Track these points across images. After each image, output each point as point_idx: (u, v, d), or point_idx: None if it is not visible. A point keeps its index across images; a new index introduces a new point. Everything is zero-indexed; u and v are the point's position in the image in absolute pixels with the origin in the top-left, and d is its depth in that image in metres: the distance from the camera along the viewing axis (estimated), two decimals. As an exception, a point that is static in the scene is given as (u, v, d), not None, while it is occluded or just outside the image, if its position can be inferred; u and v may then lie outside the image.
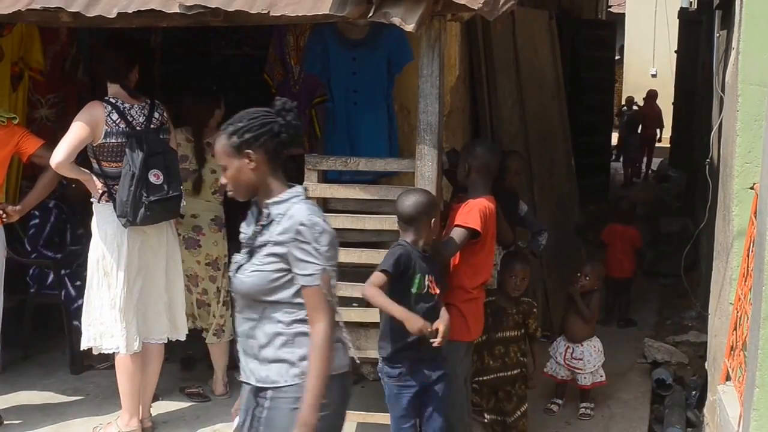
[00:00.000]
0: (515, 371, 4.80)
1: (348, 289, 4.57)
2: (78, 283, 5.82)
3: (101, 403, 5.39)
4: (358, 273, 4.74)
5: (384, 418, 4.68)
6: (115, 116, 4.67)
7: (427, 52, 4.24)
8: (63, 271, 5.89)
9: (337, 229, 4.75)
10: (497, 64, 6.71)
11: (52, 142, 5.94)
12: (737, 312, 4.33)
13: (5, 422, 5.09)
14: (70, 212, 5.99)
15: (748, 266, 4.18)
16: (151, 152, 4.65)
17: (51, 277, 5.93)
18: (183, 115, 5.32)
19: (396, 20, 3.94)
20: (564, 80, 8.21)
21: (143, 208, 4.59)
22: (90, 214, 6.12)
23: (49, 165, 4.83)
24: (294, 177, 5.23)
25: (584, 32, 11.15)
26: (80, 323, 5.72)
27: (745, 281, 4.22)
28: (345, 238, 4.83)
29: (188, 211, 5.26)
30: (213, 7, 4.06)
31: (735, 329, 4.34)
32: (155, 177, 4.64)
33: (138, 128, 4.70)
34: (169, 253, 4.94)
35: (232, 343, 5.53)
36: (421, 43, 4.26)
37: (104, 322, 4.80)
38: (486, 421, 4.93)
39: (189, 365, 5.95)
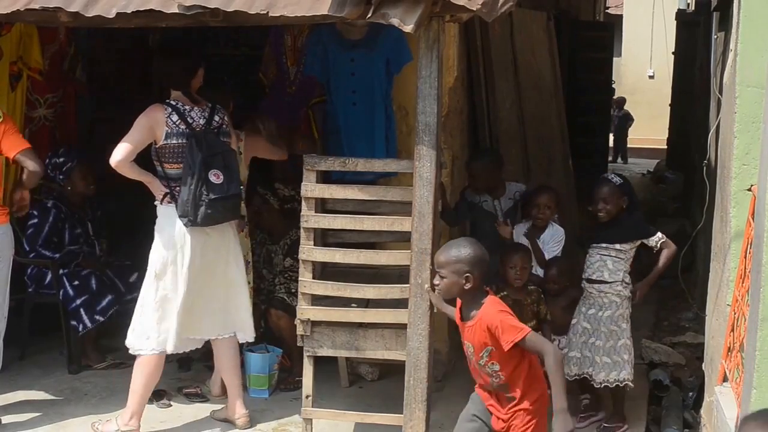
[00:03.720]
0: None
1: (347, 290, 4.58)
2: (76, 282, 5.82)
3: (99, 403, 5.39)
4: (356, 273, 4.77)
5: (382, 419, 4.69)
6: (175, 118, 4.72)
7: (425, 53, 4.24)
8: (61, 271, 5.88)
9: (335, 230, 4.83)
10: (495, 65, 6.72)
11: (50, 142, 5.95)
12: (734, 313, 4.34)
13: (3, 422, 5.09)
14: (68, 212, 5.99)
15: (745, 268, 4.19)
16: (211, 152, 4.70)
17: (49, 277, 5.93)
18: None
19: (395, 21, 3.95)
20: (562, 81, 8.22)
21: (204, 207, 4.63)
22: (88, 215, 6.15)
23: (26, 169, 4.87)
24: (293, 178, 5.30)
25: (582, 33, 11.17)
26: (78, 323, 5.76)
27: (743, 283, 4.23)
28: (343, 239, 4.86)
29: None
30: (212, 7, 4.06)
31: (732, 330, 4.35)
32: (215, 177, 4.68)
33: (197, 129, 4.75)
34: (232, 254, 4.97)
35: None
36: (419, 44, 4.26)
37: (146, 321, 4.84)
38: None
39: (186, 365, 5.95)
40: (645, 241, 5.09)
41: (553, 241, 5.52)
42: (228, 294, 4.99)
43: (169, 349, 4.84)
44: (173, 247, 4.76)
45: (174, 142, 4.72)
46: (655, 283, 5.18)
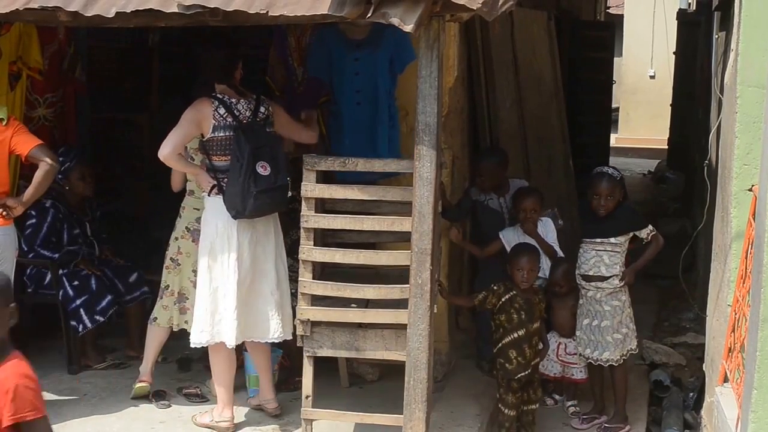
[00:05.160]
0: (538, 358, 5.02)
1: (347, 290, 4.58)
2: (76, 283, 5.81)
3: (98, 403, 5.38)
4: (356, 273, 4.76)
5: (382, 419, 4.68)
6: (222, 111, 4.80)
7: (425, 52, 4.23)
8: (61, 271, 5.87)
9: (334, 230, 4.83)
10: (496, 64, 6.71)
11: (49, 142, 5.95)
12: (735, 314, 4.33)
13: (2, 422, 5.08)
14: (67, 212, 5.97)
15: (746, 268, 4.19)
16: (258, 144, 4.76)
17: (48, 277, 5.91)
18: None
19: (394, 21, 3.94)
20: (562, 81, 8.21)
21: (252, 199, 4.67)
22: (87, 215, 6.15)
23: (44, 163, 4.86)
24: (293, 178, 5.29)
25: (583, 33, 11.16)
26: (77, 323, 5.75)
27: (744, 283, 4.23)
28: (343, 239, 4.85)
29: (195, 205, 5.30)
30: (211, 6, 4.06)
31: (733, 331, 4.35)
32: (263, 168, 4.73)
33: (244, 122, 4.81)
34: (277, 250, 5.01)
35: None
36: (419, 43, 4.25)
37: (199, 314, 4.87)
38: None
39: (186, 365, 5.94)
40: (636, 233, 5.14)
41: (548, 234, 5.53)
42: (280, 292, 5.02)
43: (229, 343, 4.86)
44: (220, 238, 4.82)
45: (221, 134, 4.79)
46: (642, 269, 5.27)
